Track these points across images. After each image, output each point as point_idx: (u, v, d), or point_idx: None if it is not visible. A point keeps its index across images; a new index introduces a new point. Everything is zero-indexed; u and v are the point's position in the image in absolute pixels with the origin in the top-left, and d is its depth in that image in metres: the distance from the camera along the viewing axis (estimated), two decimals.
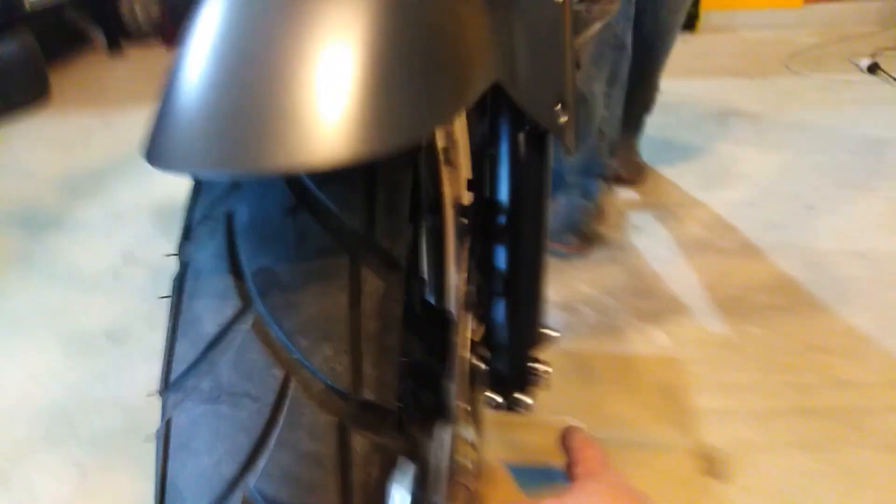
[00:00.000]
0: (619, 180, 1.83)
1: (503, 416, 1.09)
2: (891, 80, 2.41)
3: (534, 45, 0.52)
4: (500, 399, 0.62)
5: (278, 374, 0.29)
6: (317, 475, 0.29)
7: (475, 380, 0.62)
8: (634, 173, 1.84)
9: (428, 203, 0.86)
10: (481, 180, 0.65)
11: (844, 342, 1.28)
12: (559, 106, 0.59)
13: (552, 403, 1.14)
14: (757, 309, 1.38)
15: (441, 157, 0.83)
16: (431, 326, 0.63)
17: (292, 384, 0.29)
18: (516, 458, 1.08)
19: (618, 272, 1.51)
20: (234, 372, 0.30)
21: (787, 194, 1.77)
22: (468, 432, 0.70)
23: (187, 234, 0.33)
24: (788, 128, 2.13)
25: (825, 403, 1.15)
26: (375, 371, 0.31)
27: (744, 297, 1.41)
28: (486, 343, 0.64)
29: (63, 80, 2.82)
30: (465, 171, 0.83)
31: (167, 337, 0.32)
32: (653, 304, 1.41)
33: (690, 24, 3.02)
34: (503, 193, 0.62)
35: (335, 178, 0.32)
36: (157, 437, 0.31)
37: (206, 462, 0.29)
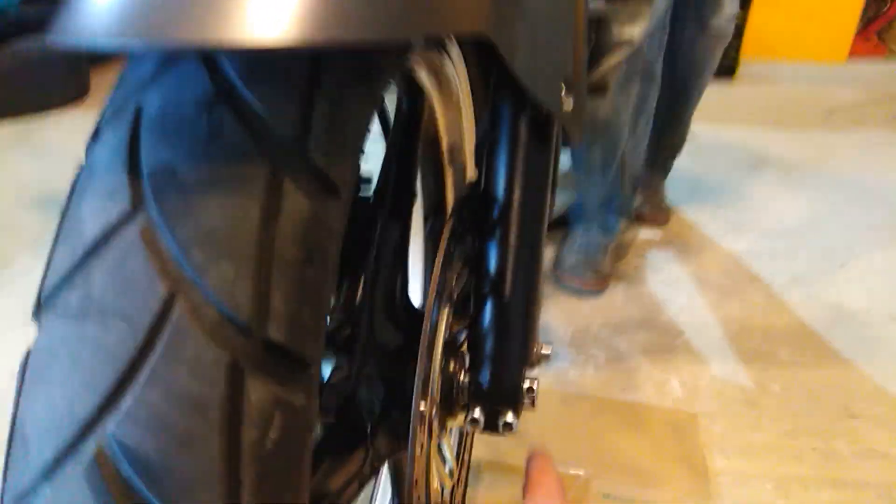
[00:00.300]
0: (643, 220, 1.76)
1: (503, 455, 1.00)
2: None
3: (540, 12, 0.47)
4: (480, 416, 0.54)
5: (161, 290, 0.23)
6: (196, 425, 0.23)
7: (453, 392, 0.55)
8: (659, 215, 1.78)
9: (430, 204, 0.80)
10: (479, 171, 0.59)
11: (874, 408, 1.18)
12: (565, 88, 0.53)
13: (554, 447, 1.05)
14: (779, 364, 1.28)
15: (446, 157, 0.79)
16: (411, 328, 0.56)
17: (177, 306, 0.23)
18: None
19: (632, 314, 1.43)
20: (110, 285, 0.24)
21: (818, 249, 1.68)
22: (444, 453, 0.62)
23: (96, 133, 0.28)
24: (824, 182, 2.05)
25: (854, 475, 1.04)
26: (288, 307, 0.25)
27: (765, 351, 1.31)
28: (471, 353, 0.57)
29: (103, 80, 2.88)
30: (470, 169, 0.78)
31: (51, 246, 0.26)
32: (667, 350, 1.32)
33: (730, 71, 2.98)
34: (500, 185, 0.56)
35: (269, 75, 0.26)
36: (19, 369, 0.25)
37: (58, 398, 0.23)
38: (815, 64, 2.95)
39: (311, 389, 0.26)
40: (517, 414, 0.54)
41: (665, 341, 1.34)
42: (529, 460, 0.53)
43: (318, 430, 0.47)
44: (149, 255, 0.24)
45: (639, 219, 1.75)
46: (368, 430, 0.50)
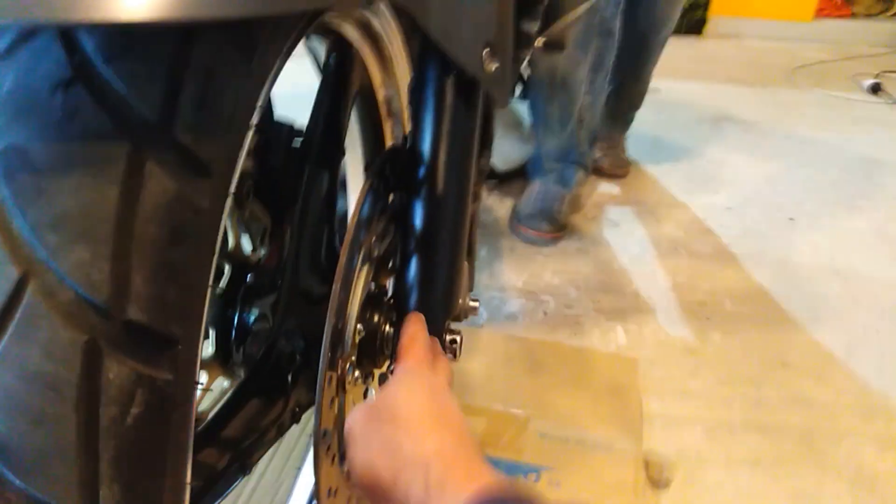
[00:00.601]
0: (603, 173, 1.77)
1: None
2: (891, 102, 2.35)
3: None
4: None
5: (13, 272, 0.24)
6: (50, 404, 0.23)
7: (378, 343, 0.56)
8: (618, 167, 1.79)
9: (371, 156, 0.80)
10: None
11: (808, 360, 1.23)
12: (487, 50, 0.52)
13: (496, 389, 1.09)
14: (722, 316, 1.32)
15: (383, 108, 0.78)
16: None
17: (30, 287, 0.24)
18: None
19: (585, 264, 1.46)
20: None
21: (770, 204, 1.71)
22: (371, 395, 0.64)
23: None
24: (782, 139, 2.07)
25: (781, 421, 1.10)
26: (150, 287, 0.25)
27: (710, 303, 1.36)
28: (396, 306, 0.58)
29: None
30: (407, 119, 0.78)
31: None
32: (616, 299, 1.35)
33: (698, 28, 2.96)
34: (426, 144, 0.56)
35: (132, 53, 0.26)
36: None
37: None
38: (782, 22, 2.93)
39: (180, 365, 0.27)
40: None
41: (614, 290, 1.37)
42: (403, 324, 0.54)
43: (241, 375, 0.48)
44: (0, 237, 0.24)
45: (598, 172, 1.76)
46: (289, 380, 0.51)
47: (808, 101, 2.38)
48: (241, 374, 0.51)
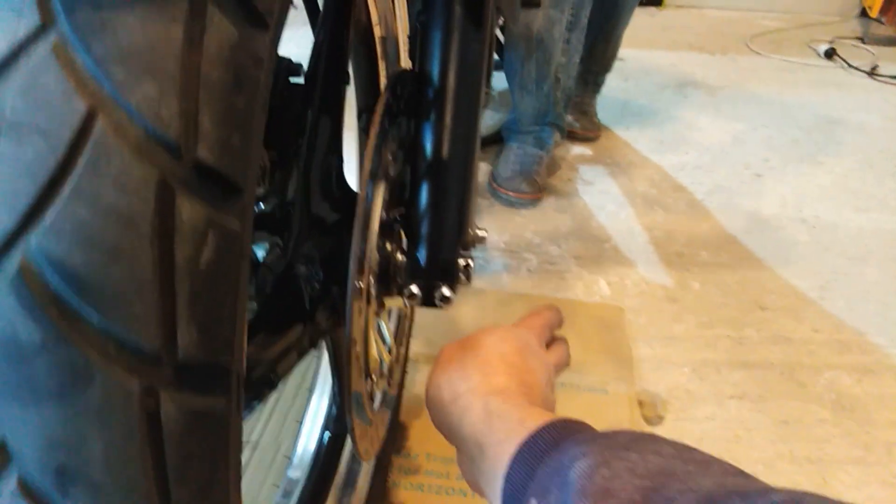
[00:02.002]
0: (575, 137, 1.80)
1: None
2: (845, 66, 2.44)
3: None
4: (417, 291, 0.55)
5: (80, 106, 0.23)
6: (126, 239, 0.23)
7: (390, 271, 0.56)
8: (590, 130, 1.81)
9: (364, 97, 0.79)
10: (413, 52, 0.59)
11: (784, 300, 1.28)
12: None
13: None
14: (699, 265, 1.36)
15: (379, 48, 0.77)
16: (347, 208, 0.56)
17: (98, 122, 0.23)
18: None
19: (564, 222, 1.48)
20: (23, 101, 0.23)
21: (736, 162, 1.76)
22: (383, 332, 0.64)
23: None
24: (744, 102, 2.13)
25: (763, 357, 1.14)
26: (217, 130, 0.25)
27: (686, 254, 1.39)
28: (408, 231, 0.58)
29: None
30: (404, 61, 0.77)
31: None
32: (596, 254, 1.37)
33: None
34: (434, 66, 0.56)
35: None
36: None
37: None
38: None
39: (244, 217, 0.26)
40: (453, 289, 0.55)
41: (594, 246, 1.40)
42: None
43: (253, 306, 0.48)
44: (63, 72, 0.23)
45: (571, 135, 1.78)
46: (307, 305, 0.51)
47: (766, 66, 2.45)
48: (254, 306, 0.51)
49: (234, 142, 0.25)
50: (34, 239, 0.22)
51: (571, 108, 1.74)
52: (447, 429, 0.47)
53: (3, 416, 0.23)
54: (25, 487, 0.23)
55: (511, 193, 1.50)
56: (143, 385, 0.23)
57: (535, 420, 0.39)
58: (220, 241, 0.25)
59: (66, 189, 0.22)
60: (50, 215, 0.22)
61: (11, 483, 0.23)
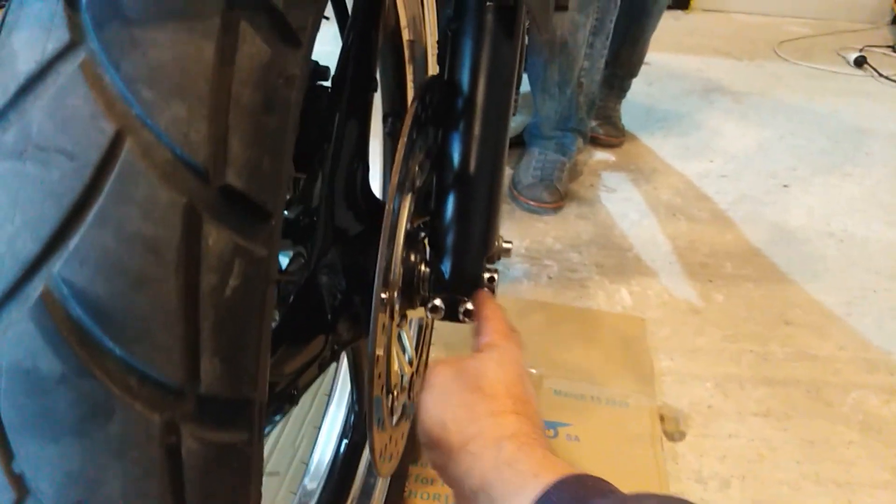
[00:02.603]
0: (598, 142, 1.77)
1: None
2: (876, 74, 2.39)
3: None
4: (441, 304, 0.54)
5: (108, 128, 0.22)
6: (151, 267, 0.22)
7: (414, 283, 0.55)
8: (614, 136, 1.79)
9: (390, 103, 0.78)
10: (442, 62, 0.57)
11: (809, 316, 1.25)
12: None
13: None
14: (723, 277, 1.33)
15: (406, 52, 0.76)
16: (372, 218, 0.55)
17: (127, 145, 0.22)
18: None
19: (585, 229, 1.46)
20: (49, 122, 0.22)
21: (763, 172, 1.73)
22: (404, 343, 0.63)
23: None
24: (771, 110, 2.10)
25: (788, 374, 1.11)
26: (247, 153, 0.24)
27: (710, 265, 1.37)
28: (433, 242, 0.57)
29: None
30: (432, 66, 0.76)
31: None
32: (618, 263, 1.35)
33: (684, 2, 2.97)
34: (464, 75, 0.55)
35: None
36: None
37: None
38: None
39: (272, 242, 0.25)
40: None
41: (616, 254, 1.38)
42: (478, 303, 0.53)
43: (276, 317, 0.47)
44: (91, 91, 0.22)
45: (594, 141, 1.76)
46: (329, 317, 0.50)
47: (794, 73, 2.41)
48: (276, 316, 0.50)
49: (265, 165, 0.24)
50: (57, 265, 0.22)
51: (595, 114, 1.72)
52: (450, 474, 0.43)
53: (22, 448, 0.22)
54: None
55: (532, 203, 1.48)
56: (165, 419, 0.22)
57: (551, 473, 0.37)
58: (247, 268, 0.24)
59: (91, 214, 0.22)
60: (73, 241, 0.22)
61: None
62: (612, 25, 1.45)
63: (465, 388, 0.45)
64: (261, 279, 0.24)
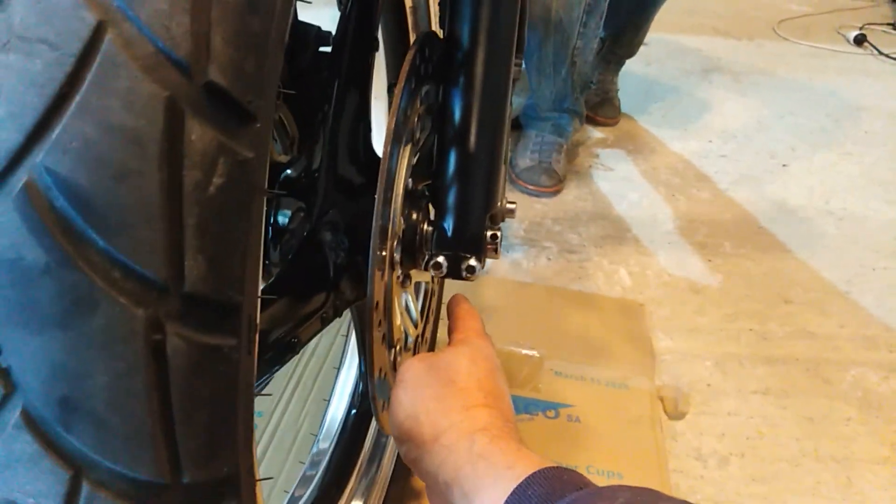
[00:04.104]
0: (595, 120, 1.77)
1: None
2: (876, 52, 2.38)
3: None
4: (443, 262, 0.54)
5: (89, 18, 0.22)
6: (133, 159, 0.22)
7: (416, 241, 0.55)
8: (610, 115, 1.78)
9: (394, 70, 0.77)
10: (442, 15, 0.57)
11: (809, 294, 1.24)
12: None
13: (508, 331, 1.08)
14: (722, 256, 1.33)
15: (409, 19, 0.75)
16: (375, 175, 0.55)
17: (108, 36, 0.22)
18: None
19: (584, 209, 1.45)
20: (32, 13, 0.22)
21: (762, 150, 1.73)
22: (409, 305, 0.62)
23: None
24: (770, 89, 2.09)
25: (788, 352, 1.11)
26: (230, 51, 0.23)
27: (709, 244, 1.36)
28: (434, 203, 0.56)
29: None
30: (434, 23, 0.75)
31: None
32: (617, 244, 1.35)
33: None
34: (464, 29, 0.54)
35: None
36: None
37: None
38: None
39: (259, 146, 0.25)
40: (480, 260, 0.54)
41: (615, 235, 1.37)
42: (452, 304, 0.55)
43: (277, 271, 0.47)
44: None
45: (591, 120, 1.76)
46: (331, 273, 0.50)
47: (793, 52, 2.40)
48: (276, 271, 0.50)
49: (248, 65, 0.24)
50: (39, 155, 0.21)
51: (595, 91, 1.71)
52: (423, 468, 0.43)
53: (8, 341, 0.22)
54: (29, 419, 0.22)
55: (530, 187, 1.48)
56: (149, 315, 0.22)
57: (524, 465, 0.37)
58: (232, 168, 0.24)
59: (73, 105, 0.21)
60: (56, 132, 0.21)
61: (16, 413, 0.22)
62: (606, 5, 1.44)
63: (438, 382, 0.45)
64: (246, 181, 0.24)
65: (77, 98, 0.21)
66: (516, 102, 1.77)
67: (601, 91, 1.76)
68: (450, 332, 0.53)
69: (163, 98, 0.22)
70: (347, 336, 0.80)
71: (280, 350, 0.44)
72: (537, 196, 1.48)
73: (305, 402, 0.89)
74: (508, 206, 0.63)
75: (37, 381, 0.22)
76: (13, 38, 0.22)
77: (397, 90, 0.48)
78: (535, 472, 0.36)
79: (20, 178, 0.21)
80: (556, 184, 1.49)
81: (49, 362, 0.22)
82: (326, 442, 0.67)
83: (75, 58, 0.21)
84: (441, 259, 0.53)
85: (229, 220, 0.24)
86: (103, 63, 0.22)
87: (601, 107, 1.77)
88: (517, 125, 1.64)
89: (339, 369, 0.77)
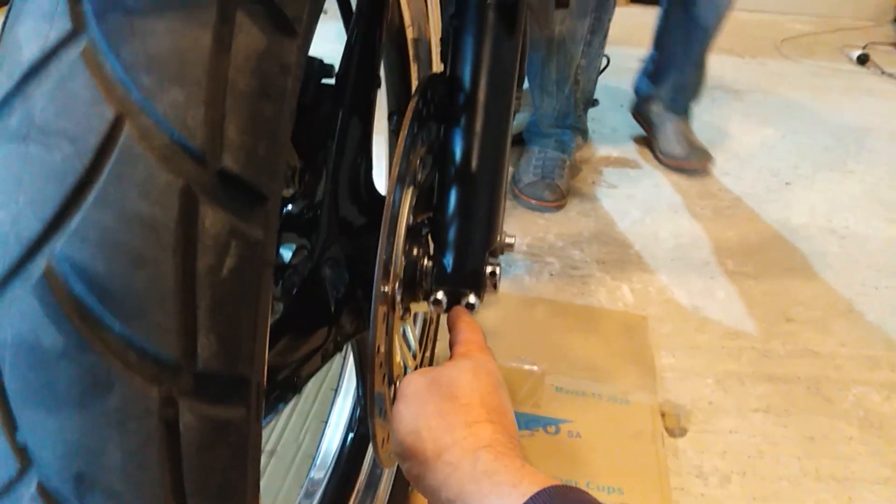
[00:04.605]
0: (682, 169, 1.67)
1: None
2: (879, 72, 2.38)
3: None
4: (443, 297, 0.55)
5: (108, 113, 0.23)
6: (149, 246, 0.23)
7: (417, 277, 0.56)
8: (699, 160, 1.66)
9: (395, 100, 0.79)
10: (444, 57, 0.58)
11: (811, 313, 1.25)
12: None
13: (509, 346, 1.09)
14: (724, 274, 1.34)
15: (411, 49, 0.76)
16: (375, 212, 0.56)
17: (126, 129, 0.23)
18: None
19: (587, 226, 1.46)
20: (52, 107, 0.23)
21: (765, 169, 1.73)
22: (408, 337, 0.63)
23: None
24: (774, 108, 2.09)
25: (789, 370, 1.12)
26: (243, 138, 0.24)
27: (712, 263, 1.37)
28: (434, 239, 0.57)
29: None
30: (436, 64, 0.76)
31: None
32: (619, 259, 1.36)
33: None
34: (466, 70, 0.55)
35: None
36: None
37: (2, 218, 0.22)
38: None
39: (268, 225, 0.26)
40: (479, 296, 0.55)
41: (617, 252, 1.38)
42: (453, 317, 0.54)
43: (280, 308, 0.48)
44: (92, 77, 0.23)
45: (678, 168, 1.67)
46: (332, 309, 0.51)
47: (797, 71, 2.41)
48: (280, 308, 0.51)
49: (260, 150, 0.25)
50: (59, 244, 0.22)
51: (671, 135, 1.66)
52: (426, 485, 0.43)
53: (26, 420, 0.23)
54: (45, 492, 0.23)
55: (533, 201, 1.48)
56: (163, 394, 0.23)
57: (529, 483, 0.37)
58: (243, 250, 0.25)
59: (92, 195, 0.22)
60: (75, 221, 0.22)
61: (31, 487, 0.23)
62: (610, 24, 1.45)
63: (440, 397, 0.44)
64: (257, 261, 0.25)
65: (95, 189, 0.22)
66: (519, 118, 1.78)
67: (681, 139, 1.66)
68: (451, 345, 0.52)
69: (178, 187, 0.23)
70: (345, 358, 0.81)
71: (283, 391, 0.45)
72: (540, 211, 1.49)
73: (306, 420, 0.90)
74: (507, 240, 0.64)
75: (53, 457, 0.23)
76: (34, 130, 0.23)
77: (401, 137, 0.50)
78: (540, 491, 0.36)
79: (39, 266, 0.22)
80: (559, 199, 1.50)
81: (65, 440, 0.23)
82: (322, 471, 0.68)
83: (94, 150, 0.22)
84: (441, 296, 0.54)
85: (240, 299, 0.25)
86: (121, 155, 0.23)
87: (689, 155, 1.66)
88: (520, 140, 1.65)
89: (336, 393, 0.78)
